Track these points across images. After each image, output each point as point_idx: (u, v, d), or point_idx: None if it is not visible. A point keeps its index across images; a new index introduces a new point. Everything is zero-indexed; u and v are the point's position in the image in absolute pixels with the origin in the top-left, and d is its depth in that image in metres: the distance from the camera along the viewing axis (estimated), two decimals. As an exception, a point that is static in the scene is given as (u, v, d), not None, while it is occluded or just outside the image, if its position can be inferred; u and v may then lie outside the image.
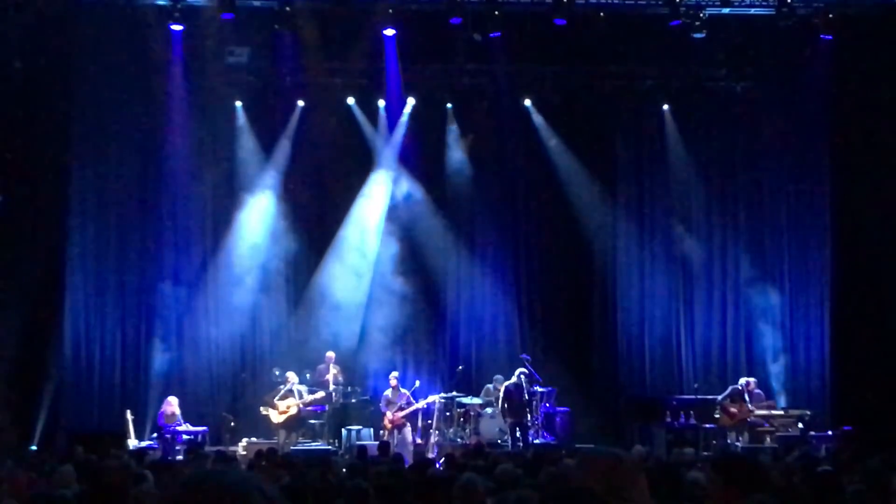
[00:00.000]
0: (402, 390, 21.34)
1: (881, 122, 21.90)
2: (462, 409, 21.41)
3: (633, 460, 3.87)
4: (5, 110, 20.75)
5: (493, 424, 21.05)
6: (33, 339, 21.05)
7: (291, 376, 21.51)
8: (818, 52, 22.36)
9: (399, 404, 21.10)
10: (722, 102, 23.50)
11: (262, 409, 21.28)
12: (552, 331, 23.44)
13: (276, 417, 21.18)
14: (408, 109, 23.61)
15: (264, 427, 21.36)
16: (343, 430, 20.96)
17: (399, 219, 23.46)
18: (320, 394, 21.47)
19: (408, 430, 21.06)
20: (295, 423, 21.35)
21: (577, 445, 17.96)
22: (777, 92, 23.27)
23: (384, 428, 20.99)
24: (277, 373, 21.95)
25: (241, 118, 23.27)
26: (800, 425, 20.61)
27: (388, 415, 21.02)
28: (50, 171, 21.56)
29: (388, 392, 21.32)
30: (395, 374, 21.71)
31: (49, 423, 20.82)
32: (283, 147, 23.30)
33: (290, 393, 21.31)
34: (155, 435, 20.65)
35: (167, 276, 22.74)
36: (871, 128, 22.04)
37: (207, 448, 18.58)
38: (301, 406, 21.29)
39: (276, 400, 21.21)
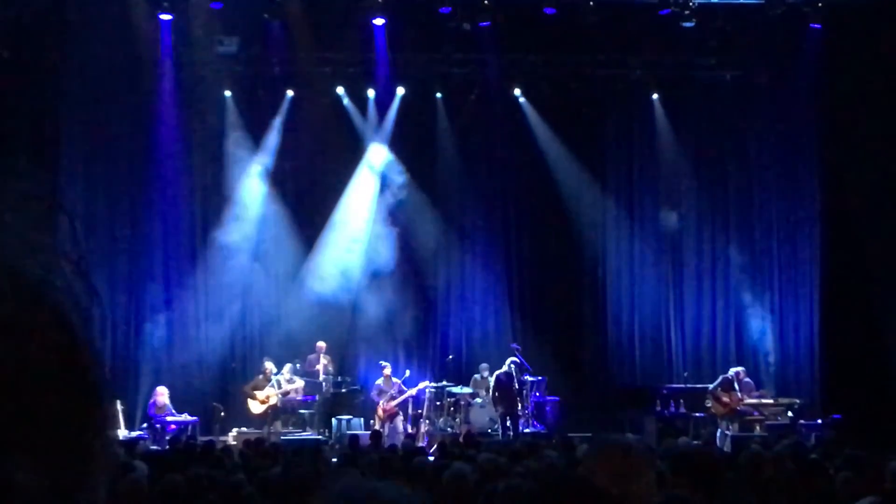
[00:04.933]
0: (394, 379, 21.35)
1: (871, 111, 21.91)
2: (452, 399, 21.43)
3: (643, 450, 3.87)
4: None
5: (483, 414, 21.07)
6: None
7: (269, 366, 21.39)
8: (808, 40, 22.38)
9: (391, 393, 21.11)
10: (711, 91, 23.50)
11: (249, 399, 21.31)
12: (542, 320, 23.45)
13: (256, 408, 21.15)
14: (397, 99, 23.60)
15: (252, 418, 21.34)
16: (333, 419, 20.95)
17: (389, 208, 23.44)
18: (300, 383, 21.42)
19: (399, 419, 21.08)
20: (278, 413, 21.27)
21: (569, 434, 18.00)
22: (767, 81, 23.29)
23: (377, 417, 21.00)
24: (267, 363, 21.94)
25: (231, 108, 23.22)
26: (789, 414, 20.67)
27: (382, 404, 21.03)
28: (37, 164, 21.50)
29: (381, 381, 21.33)
30: (386, 363, 21.72)
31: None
32: (273, 136, 23.28)
33: (269, 383, 21.24)
34: (145, 425, 20.63)
35: (157, 266, 22.75)
36: (861, 116, 22.05)
37: (198, 438, 18.57)
38: (280, 396, 21.24)
39: (255, 391, 21.18)
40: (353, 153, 23.59)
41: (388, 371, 21.39)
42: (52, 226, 1.04)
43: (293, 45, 22.65)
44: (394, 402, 21.05)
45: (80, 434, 0.96)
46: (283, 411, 21.41)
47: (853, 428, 18.26)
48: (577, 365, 23.18)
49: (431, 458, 12.23)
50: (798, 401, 21.11)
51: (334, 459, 12.06)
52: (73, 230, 1.04)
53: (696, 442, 17.93)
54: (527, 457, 10.45)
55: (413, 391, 21.29)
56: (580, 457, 9.39)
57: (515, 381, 20.76)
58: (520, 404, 20.91)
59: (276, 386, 21.28)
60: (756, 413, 20.70)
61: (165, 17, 21.56)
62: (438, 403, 21.49)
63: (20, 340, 0.93)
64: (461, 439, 16.71)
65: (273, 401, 21.19)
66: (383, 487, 1.62)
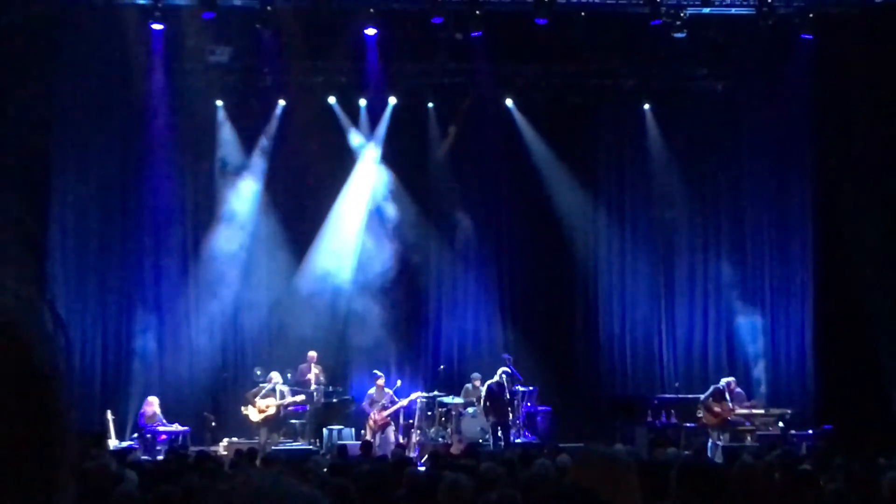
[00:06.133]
0: (387, 390, 21.32)
1: (862, 122, 21.97)
2: (443, 409, 21.41)
3: (626, 459, 3.87)
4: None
5: (474, 424, 21.04)
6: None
7: (275, 376, 21.48)
8: (799, 51, 22.42)
9: (382, 403, 21.08)
10: (703, 102, 23.53)
11: (242, 407, 21.28)
12: (534, 330, 23.46)
13: (254, 416, 21.15)
14: (389, 108, 23.61)
15: (245, 427, 21.33)
16: (324, 429, 20.92)
17: (381, 218, 23.44)
18: (301, 396, 21.45)
19: (391, 429, 21.05)
20: (274, 423, 21.29)
21: (560, 445, 17.99)
22: (758, 91, 23.34)
23: (368, 427, 20.96)
24: (259, 372, 21.90)
25: (223, 117, 23.22)
26: (780, 424, 20.67)
27: (373, 414, 21.00)
28: (30, 172, 21.46)
29: (373, 391, 21.30)
30: (380, 373, 21.69)
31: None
32: (265, 146, 23.27)
33: (271, 392, 21.28)
34: (136, 435, 20.60)
35: (148, 276, 22.72)
36: (853, 127, 22.11)
37: (189, 448, 18.54)
38: (281, 406, 21.26)
39: (256, 399, 21.20)
40: (344, 162, 23.60)
41: (381, 381, 21.36)
42: (17, 256, 1.04)
43: (285, 55, 22.65)
44: (385, 413, 21.02)
45: (44, 464, 0.95)
46: (276, 421, 21.39)
47: (844, 438, 18.27)
48: (568, 375, 23.17)
49: (422, 468, 12.22)
50: (789, 411, 21.12)
51: (325, 469, 12.01)
52: (40, 257, 1.04)
53: (686, 452, 17.96)
54: (519, 467, 10.43)
55: (405, 402, 21.26)
56: (560, 466, 9.37)
57: (507, 390, 20.76)
58: (511, 414, 20.91)
59: (279, 396, 21.29)
60: (747, 423, 20.71)
61: (157, 26, 21.53)
62: (430, 413, 21.47)
63: None
64: (457, 451, 16.68)
65: (272, 411, 21.19)
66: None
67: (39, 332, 0.99)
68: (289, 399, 21.36)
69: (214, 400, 22.47)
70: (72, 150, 22.41)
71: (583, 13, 21.75)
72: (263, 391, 21.28)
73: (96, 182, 22.55)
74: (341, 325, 23.06)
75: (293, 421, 21.65)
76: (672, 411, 21.02)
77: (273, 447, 19.81)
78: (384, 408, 21.05)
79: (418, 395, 21.51)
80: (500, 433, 20.48)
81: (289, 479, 1.60)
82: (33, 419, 0.96)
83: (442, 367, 22.77)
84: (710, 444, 19.93)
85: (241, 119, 23.36)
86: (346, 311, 23.09)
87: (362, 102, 23.64)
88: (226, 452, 19.03)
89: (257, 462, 14.28)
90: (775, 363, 23.18)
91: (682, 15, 21.53)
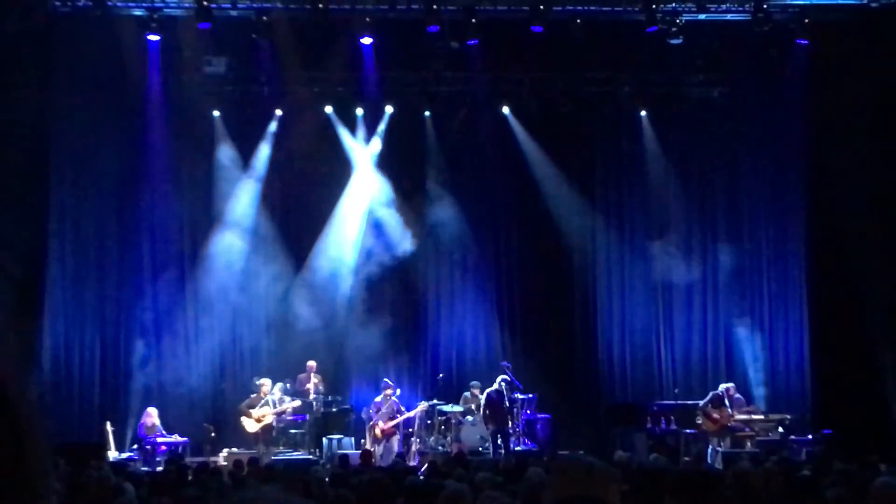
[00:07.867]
0: (394, 398, 21.28)
1: (858, 127, 21.99)
2: (443, 417, 21.39)
3: (606, 468, 3.86)
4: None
5: (473, 432, 21.02)
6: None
7: (265, 383, 21.43)
8: (795, 57, 22.45)
9: (388, 413, 21.04)
10: (699, 108, 23.54)
11: (240, 418, 21.28)
12: (532, 337, 23.43)
13: (251, 427, 21.12)
14: (386, 117, 23.62)
15: (245, 437, 21.30)
16: (324, 439, 20.90)
17: (378, 227, 23.44)
18: (296, 402, 21.40)
19: (395, 439, 21.00)
20: (270, 433, 21.25)
21: (559, 452, 17.99)
22: (754, 97, 23.36)
23: (373, 436, 20.90)
24: (258, 382, 21.89)
25: (219, 128, 23.21)
26: (780, 430, 20.67)
27: (380, 423, 20.95)
28: (28, 184, 21.48)
29: (380, 398, 21.28)
30: (389, 381, 21.68)
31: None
32: (262, 156, 23.27)
33: (265, 402, 21.24)
34: (135, 446, 20.59)
35: (146, 287, 22.69)
36: (848, 132, 22.13)
37: (188, 459, 18.54)
38: (276, 415, 21.23)
39: (251, 409, 21.17)
40: (342, 171, 23.60)
41: (389, 390, 21.32)
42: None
43: (281, 65, 22.69)
44: (392, 423, 20.99)
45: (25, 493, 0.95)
46: (275, 431, 21.37)
47: (844, 443, 18.28)
48: (567, 382, 23.15)
49: (421, 478, 12.21)
50: (789, 416, 21.11)
51: (326, 479, 12.01)
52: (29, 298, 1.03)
53: (686, 458, 17.99)
54: (519, 474, 10.43)
55: (412, 413, 21.22)
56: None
57: (506, 398, 20.75)
58: (511, 422, 20.89)
59: (272, 405, 21.26)
60: (747, 429, 20.69)
61: (153, 37, 21.56)
62: (429, 422, 21.45)
63: None
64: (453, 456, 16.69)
65: (268, 420, 21.16)
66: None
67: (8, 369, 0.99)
68: (282, 406, 21.29)
69: (214, 410, 22.45)
70: (69, 162, 22.42)
71: (578, 20, 21.75)
72: (261, 402, 21.26)
73: (94, 193, 22.57)
74: (340, 334, 23.05)
75: (293, 431, 21.63)
76: (671, 418, 21.01)
77: (272, 457, 19.77)
78: (391, 417, 21.01)
79: (426, 406, 21.45)
80: (499, 441, 20.47)
81: (291, 497, 1.57)
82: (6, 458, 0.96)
83: (441, 375, 22.75)
84: (709, 450, 19.93)
85: (238, 129, 23.35)
86: (345, 321, 23.08)
87: (359, 111, 23.64)
88: (225, 463, 19.01)
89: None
90: (774, 368, 23.18)
91: (678, 21, 21.56)
